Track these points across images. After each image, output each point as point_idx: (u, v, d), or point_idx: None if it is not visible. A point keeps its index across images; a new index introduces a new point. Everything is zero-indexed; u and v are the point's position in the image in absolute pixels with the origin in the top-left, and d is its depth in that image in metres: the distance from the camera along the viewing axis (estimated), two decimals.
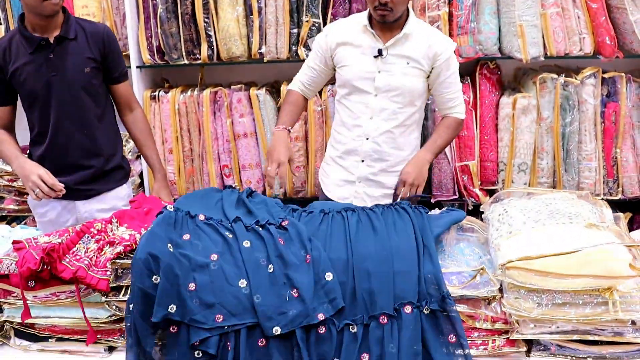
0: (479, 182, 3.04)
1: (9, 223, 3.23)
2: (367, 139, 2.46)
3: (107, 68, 2.50)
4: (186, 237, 1.73)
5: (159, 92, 3.27)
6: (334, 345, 1.62)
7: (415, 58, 2.38)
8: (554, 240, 1.65)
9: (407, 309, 1.64)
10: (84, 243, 1.78)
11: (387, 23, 2.35)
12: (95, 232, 1.81)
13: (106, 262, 1.71)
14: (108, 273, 1.71)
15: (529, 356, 1.69)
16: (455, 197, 3.05)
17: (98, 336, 1.77)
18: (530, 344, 1.70)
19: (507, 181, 3.00)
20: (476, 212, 3.13)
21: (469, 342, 1.66)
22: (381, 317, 1.64)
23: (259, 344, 1.62)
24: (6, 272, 1.76)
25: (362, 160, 2.49)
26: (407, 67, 2.39)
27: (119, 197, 2.60)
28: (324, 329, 1.63)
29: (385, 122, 2.44)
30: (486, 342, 1.70)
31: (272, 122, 3.16)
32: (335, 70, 2.52)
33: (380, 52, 2.37)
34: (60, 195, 2.25)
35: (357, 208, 1.93)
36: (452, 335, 1.63)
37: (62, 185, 2.25)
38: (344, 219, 1.86)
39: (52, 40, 2.37)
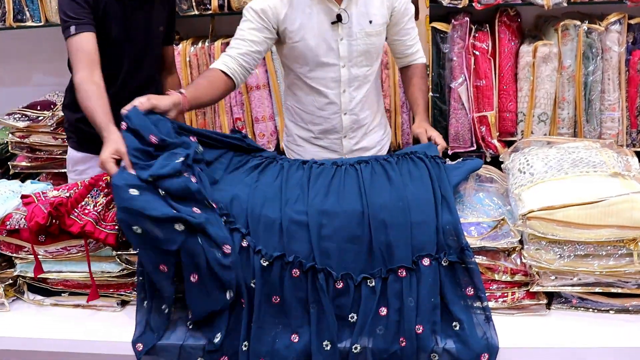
0: (497, 133, 2.96)
1: (22, 180, 3.20)
2: (345, 114, 2.29)
3: (168, 25, 2.45)
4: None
5: None
6: (352, 299, 1.59)
7: (374, 13, 2.16)
8: (577, 189, 1.59)
9: (426, 262, 1.60)
10: (92, 197, 1.75)
11: None
12: (104, 185, 1.77)
13: (114, 216, 1.68)
14: (117, 227, 1.68)
15: (549, 309, 1.65)
16: (472, 148, 2.98)
17: (110, 290, 1.76)
18: (551, 297, 1.66)
19: (526, 132, 2.93)
20: (494, 165, 3.09)
21: (487, 294, 1.63)
22: (399, 271, 1.59)
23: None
24: (16, 227, 1.74)
25: (345, 136, 2.33)
26: (369, 27, 2.17)
27: None
28: (341, 283, 1.60)
29: (358, 90, 2.26)
30: (505, 294, 1.66)
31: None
32: (279, 43, 2.23)
33: (339, 17, 2.11)
34: None
35: (371, 159, 1.86)
36: (470, 287, 1.59)
37: None
38: (357, 172, 1.80)
39: None
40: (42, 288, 1.82)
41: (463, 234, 1.62)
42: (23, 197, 1.78)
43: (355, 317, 1.58)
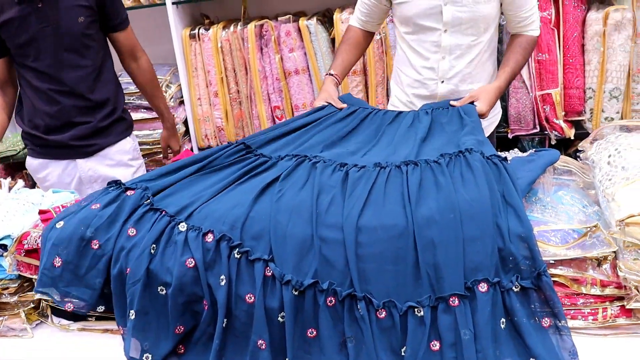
0: (563, 113, 2.75)
1: None
2: (442, 82, 2.18)
3: (104, 16, 2.34)
4: None
5: (199, 29, 3.07)
6: (398, 331, 1.34)
7: None
8: None
9: (482, 287, 1.33)
10: None
11: None
12: None
13: None
14: None
15: None
16: (536, 130, 2.80)
17: None
18: None
19: (596, 110, 2.69)
20: (559, 148, 2.85)
21: (573, 311, 1.39)
22: (451, 299, 1.33)
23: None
24: (34, 247, 1.59)
25: None
26: None
27: (124, 150, 2.46)
28: (384, 313, 1.35)
29: (460, 59, 2.15)
30: (595, 311, 1.41)
31: (326, 55, 2.88)
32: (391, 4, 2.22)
33: None
34: None
35: (420, 161, 1.58)
36: (546, 319, 1.34)
37: None
38: (403, 175, 1.52)
39: None
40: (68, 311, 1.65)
41: (538, 250, 1.35)
42: (41, 212, 1.62)
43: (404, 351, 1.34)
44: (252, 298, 1.36)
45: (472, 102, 1.95)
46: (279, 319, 1.36)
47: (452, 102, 1.95)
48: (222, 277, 1.38)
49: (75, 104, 2.34)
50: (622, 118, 2.69)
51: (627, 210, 1.34)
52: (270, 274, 1.37)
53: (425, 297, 1.34)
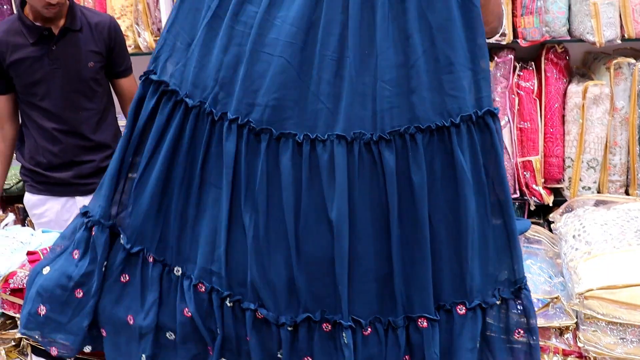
0: (543, 180, 2.78)
1: None
2: None
3: (111, 62, 2.42)
4: None
5: None
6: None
7: None
8: None
9: (461, 310, 1.35)
10: None
11: None
12: None
13: None
14: None
15: None
16: (516, 195, 2.81)
17: None
18: None
19: (574, 179, 2.74)
20: (538, 213, 2.92)
21: None
22: (419, 320, 1.34)
23: None
24: (19, 287, 1.63)
25: None
26: None
27: None
28: (369, 329, 1.36)
29: None
30: None
31: None
32: None
33: None
34: None
35: (395, 137, 1.31)
36: (519, 329, 1.37)
37: None
38: (377, 166, 1.34)
39: (55, 32, 2.28)
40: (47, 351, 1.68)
41: (521, 260, 1.34)
42: (29, 253, 1.67)
43: None
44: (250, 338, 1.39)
45: None
46: (279, 355, 1.39)
47: None
48: (218, 325, 1.41)
49: (78, 143, 2.39)
50: (599, 187, 2.73)
51: (587, 284, 1.40)
52: (261, 316, 1.37)
53: (400, 318, 1.34)
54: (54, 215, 2.45)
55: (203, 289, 1.41)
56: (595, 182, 2.72)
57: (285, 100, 1.31)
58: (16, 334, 1.69)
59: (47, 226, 2.38)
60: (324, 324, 1.36)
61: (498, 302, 1.35)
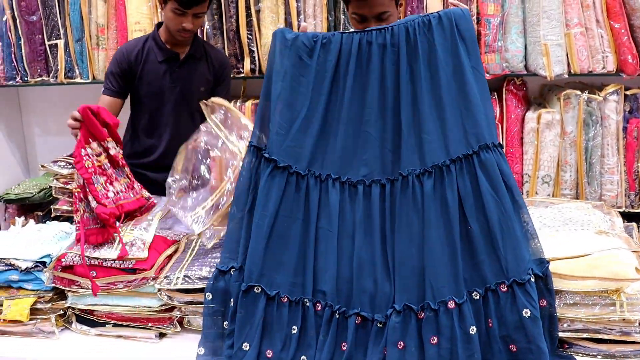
0: None
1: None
2: None
3: (215, 93, 2.67)
4: None
5: None
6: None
7: None
8: (565, 245, 1.78)
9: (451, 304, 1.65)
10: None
11: None
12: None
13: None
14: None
15: None
16: None
17: (149, 324, 1.94)
18: None
19: (531, 192, 3.11)
20: None
21: None
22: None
23: None
24: (70, 264, 1.95)
25: None
26: None
27: None
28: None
29: None
30: None
31: None
32: None
33: None
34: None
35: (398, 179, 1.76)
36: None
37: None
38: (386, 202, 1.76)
39: (181, 57, 2.63)
40: (89, 319, 2.00)
41: (540, 244, 1.69)
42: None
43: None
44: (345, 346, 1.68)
45: None
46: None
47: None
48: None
49: (168, 152, 2.56)
50: None
51: None
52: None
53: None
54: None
55: (320, 307, 1.72)
56: (549, 195, 3.09)
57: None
58: (64, 304, 2.01)
59: None
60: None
61: (532, 279, 1.64)
